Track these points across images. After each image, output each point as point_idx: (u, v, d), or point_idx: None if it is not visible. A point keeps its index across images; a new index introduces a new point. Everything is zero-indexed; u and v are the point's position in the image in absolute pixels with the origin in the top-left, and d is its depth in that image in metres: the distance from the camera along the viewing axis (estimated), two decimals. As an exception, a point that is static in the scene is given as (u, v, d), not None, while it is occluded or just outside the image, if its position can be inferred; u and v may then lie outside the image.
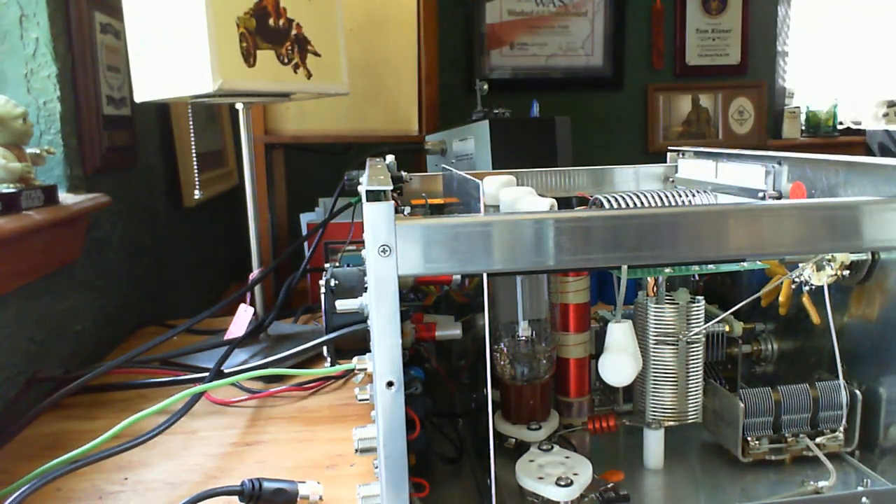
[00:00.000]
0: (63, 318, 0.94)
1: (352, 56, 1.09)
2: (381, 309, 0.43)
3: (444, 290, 0.68)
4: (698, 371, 0.61)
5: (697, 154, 0.83)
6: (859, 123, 2.91)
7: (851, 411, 0.59)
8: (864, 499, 0.54)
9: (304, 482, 0.59)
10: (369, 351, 0.51)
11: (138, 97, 0.92)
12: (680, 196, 0.68)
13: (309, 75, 0.99)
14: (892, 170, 0.54)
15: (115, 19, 1.14)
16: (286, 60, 0.95)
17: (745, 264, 0.59)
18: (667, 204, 0.67)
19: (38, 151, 0.88)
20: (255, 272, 1.00)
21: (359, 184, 0.71)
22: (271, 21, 0.92)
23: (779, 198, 0.67)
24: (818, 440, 0.60)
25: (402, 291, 0.45)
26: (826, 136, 2.84)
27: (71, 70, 1.00)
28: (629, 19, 2.58)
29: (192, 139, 1.22)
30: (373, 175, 0.58)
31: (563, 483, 0.51)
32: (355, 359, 0.52)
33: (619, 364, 0.57)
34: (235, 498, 0.57)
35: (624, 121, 2.65)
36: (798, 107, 2.82)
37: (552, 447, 0.57)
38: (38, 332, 0.88)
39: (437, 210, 0.75)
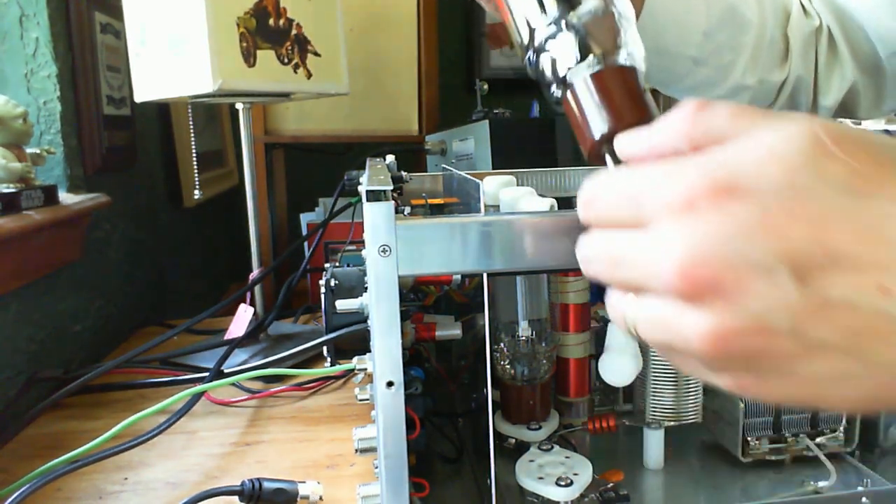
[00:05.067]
0: (63, 318, 0.94)
1: (352, 56, 1.09)
2: (381, 309, 0.43)
3: (444, 290, 0.68)
4: (698, 371, 0.61)
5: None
6: (859, 123, 2.91)
7: (851, 411, 0.59)
8: (864, 499, 0.54)
9: (304, 482, 0.59)
10: (369, 351, 0.51)
11: (138, 97, 0.92)
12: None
13: (309, 75, 0.99)
14: (892, 170, 0.54)
15: (115, 19, 1.14)
16: (286, 60, 0.95)
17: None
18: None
19: (38, 151, 0.88)
20: (255, 272, 1.00)
21: (359, 184, 0.71)
22: (271, 21, 0.92)
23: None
24: (818, 440, 0.60)
25: (402, 291, 0.45)
26: (826, 136, 2.84)
27: (71, 70, 1.00)
28: (629, 19, 2.58)
29: (192, 139, 1.22)
30: (373, 175, 0.58)
31: (563, 483, 0.51)
32: (355, 359, 0.52)
33: (619, 364, 0.57)
34: (235, 498, 0.57)
35: (624, 121, 2.65)
36: (798, 107, 2.81)
37: (552, 447, 0.57)
38: (38, 332, 0.88)
39: (437, 210, 0.75)
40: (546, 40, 0.36)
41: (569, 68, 0.35)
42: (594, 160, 0.34)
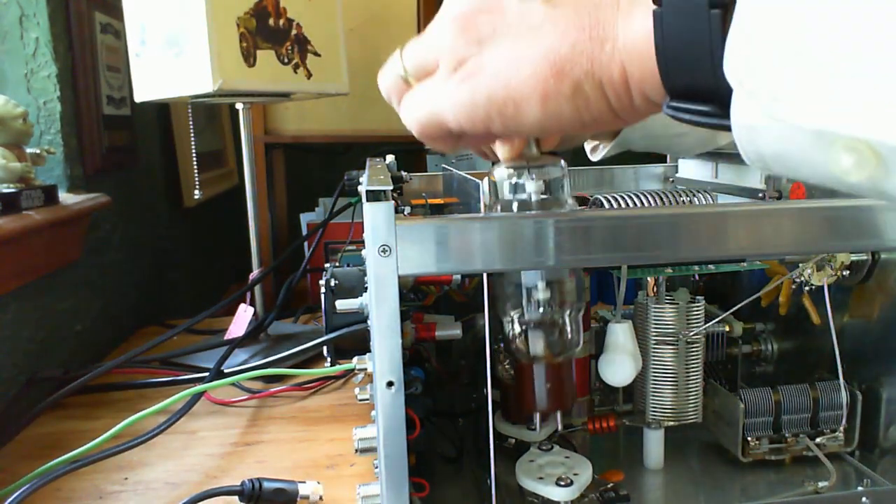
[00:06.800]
0: (63, 318, 0.94)
1: (352, 56, 1.09)
2: (381, 309, 0.43)
3: (444, 290, 0.68)
4: (698, 371, 0.61)
5: (697, 154, 0.83)
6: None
7: (851, 411, 0.59)
8: (864, 499, 0.54)
9: (304, 482, 0.59)
10: (369, 351, 0.51)
11: (138, 97, 0.92)
12: (680, 196, 0.68)
13: (309, 75, 0.99)
14: (892, 170, 0.54)
15: (115, 19, 1.13)
16: (286, 60, 0.95)
17: (744, 264, 0.59)
18: (667, 204, 0.67)
19: (38, 151, 0.88)
20: (255, 272, 1.00)
21: (359, 184, 0.71)
22: (271, 21, 0.92)
23: (779, 198, 0.67)
24: (818, 440, 0.60)
25: (402, 291, 0.45)
26: (826, 136, 2.84)
27: (71, 70, 1.00)
28: (629, 19, 2.58)
29: (192, 139, 1.21)
30: (373, 175, 0.58)
31: (563, 483, 0.51)
32: (355, 359, 0.52)
33: (619, 364, 0.57)
34: (235, 498, 0.57)
35: (624, 121, 2.65)
36: (798, 107, 2.81)
37: (552, 447, 0.57)
38: (38, 332, 0.88)
39: (437, 210, 0.75)
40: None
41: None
42: None
